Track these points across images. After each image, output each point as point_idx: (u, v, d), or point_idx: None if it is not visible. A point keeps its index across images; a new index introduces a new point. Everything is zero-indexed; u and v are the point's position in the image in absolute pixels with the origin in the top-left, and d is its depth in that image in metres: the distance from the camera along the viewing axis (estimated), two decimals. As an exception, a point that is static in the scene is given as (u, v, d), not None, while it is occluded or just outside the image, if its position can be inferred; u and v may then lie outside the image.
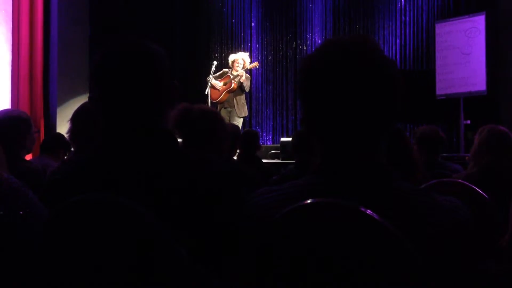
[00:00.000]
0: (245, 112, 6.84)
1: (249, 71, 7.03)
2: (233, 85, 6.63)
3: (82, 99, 7.13)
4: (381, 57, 0.93)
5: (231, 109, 6.70)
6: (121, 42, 1.15)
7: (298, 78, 0.98)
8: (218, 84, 6.67)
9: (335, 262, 0.84)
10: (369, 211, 0.83)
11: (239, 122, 6.71)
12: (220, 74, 6.80)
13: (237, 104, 6.70)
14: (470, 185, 1.88)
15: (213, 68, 6.75)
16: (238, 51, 7.23)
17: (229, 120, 6.47)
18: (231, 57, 6.88)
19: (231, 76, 6.68)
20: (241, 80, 6.61)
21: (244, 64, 6.74)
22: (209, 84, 6.62)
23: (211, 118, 2.06)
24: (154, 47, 1.16)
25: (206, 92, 6.65)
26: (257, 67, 7.25)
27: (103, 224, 0.97)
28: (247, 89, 6.79)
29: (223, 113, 6.56)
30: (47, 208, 1.06)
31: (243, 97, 6.79)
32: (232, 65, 6.77)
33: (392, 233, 0.82)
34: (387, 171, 0.94)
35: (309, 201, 0.87)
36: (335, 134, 0.94)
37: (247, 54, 6.99)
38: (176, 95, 1.20)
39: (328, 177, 0.95)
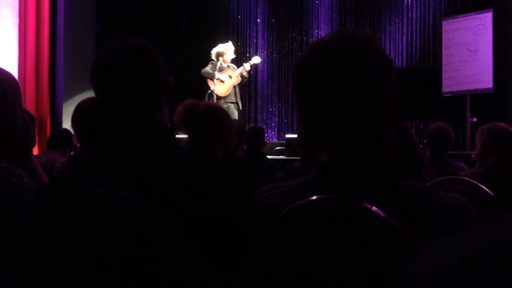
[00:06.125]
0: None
1: (254, 66, 7.01)
2: (239, 79, 6.58)
3: (88, 94, 7.14)
4: (371, 52, 0.92)
5: (230, 103, 6.63)
6: (115, 42, 1.18)
7: (292, 80, 0.98)
8: (226, 78, 6.57)
9: (339, 258, 0.84)
10: (374, 207, 0.83)
11: (236, 115, 6.67)
12: (219, 68, 6.57)
13: (238, 97, 6.67)
14: (476, 182, 1.88)
15: (218, 64, 6.66)
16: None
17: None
18: (218, 49, 6.65)
19: (234, 70, 6.61)
20: (245, 74, 6.56)
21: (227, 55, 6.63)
22: (215, 79, 6.47)
23: (217, 114, 2.06)
24: (147, 45, 1.19)
25: (212, 89, 6.54)
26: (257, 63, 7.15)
27: (108, 218, 0.97)
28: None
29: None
30: (53, 201, 1.07)
31: (238, 87, 6.76)
32: (220, 57, 6.58)
33: (397, 229, 0.82)
34: (392, 168, 0.94)
35: (314, 197, 0.87)
36: (333, 133, 0.94)
37: (230, 43, 6.83)
38: (171, 91, 1.23)
39: (332, 174, 0.95)
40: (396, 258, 0.81)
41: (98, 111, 1.29)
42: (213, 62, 6.60)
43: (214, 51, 6.67)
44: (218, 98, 6.50)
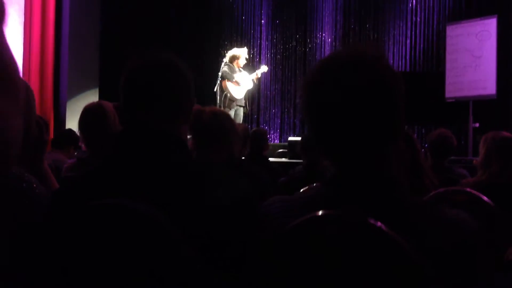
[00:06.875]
0: None
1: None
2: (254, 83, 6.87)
3: (92, 94, 7.17)
4: (381, 69, 0.94)
5: (240, 106, 6.75)
6: (149, 56, 1.21)
7: (300, 95, 1.00)
8: (241, 81, 6.69)
9: (344, 274, 0.86)
10: (379, 223, 0.85)
11: (241, 118, 6.80)
12: (231, 69, 6.74)
13: (247, 101, 6.87)
14: (477, 194, 1.88)
15: (222, 65, 6.75)
16: (247, 48, 7.23)
17: (235, 119, 6.50)
18: (233, 53, 6.85)
19: (248, 74, 6.83)
20: (255, 81, 6.86)
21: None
22: (223, 80, 6.59)
23: (222, 120, 2.08)
24: (180, 64, 1.23)
25: (215, 90, 6.62)
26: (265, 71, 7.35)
27: (118, 228, 0.99)
28: None
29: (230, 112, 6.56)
30: (65, 210, 1.08)
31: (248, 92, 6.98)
32: (235, 60, 6.77)
33: (401, 246, 0.83)
34: (398, 184, 0.95)
35: (319, 213, 0.88)
36: (341, 148, 0.96)
37: (245, 49, 7.04)
38: (192, 108, 1.27)
39: (339, 189, 0.96)
40: (400, 275, 0.83)
41: (119, 116, 1.32)
42: (229, 64, 6.77)
43: (229, 54, 6.87)
44: (232, 100, 6.59)
